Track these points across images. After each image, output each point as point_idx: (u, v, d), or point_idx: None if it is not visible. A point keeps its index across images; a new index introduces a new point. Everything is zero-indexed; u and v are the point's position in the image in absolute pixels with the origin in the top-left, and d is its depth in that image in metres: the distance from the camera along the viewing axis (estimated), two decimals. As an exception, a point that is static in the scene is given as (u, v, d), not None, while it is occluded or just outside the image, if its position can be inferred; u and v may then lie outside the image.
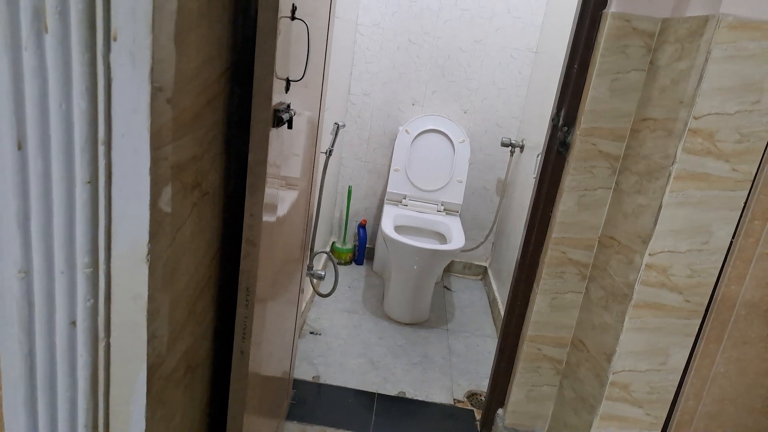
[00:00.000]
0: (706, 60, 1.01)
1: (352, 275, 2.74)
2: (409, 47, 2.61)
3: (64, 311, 0.61)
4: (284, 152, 0.94)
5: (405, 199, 2.64)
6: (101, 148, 0.57)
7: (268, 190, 0.84)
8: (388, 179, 2.68)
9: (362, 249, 2.87)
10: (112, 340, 0.64)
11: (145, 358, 0.65)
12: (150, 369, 0.67)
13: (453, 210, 2.64)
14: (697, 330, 1.16)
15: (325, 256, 2.59)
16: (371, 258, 2.92)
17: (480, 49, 2.58)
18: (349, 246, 2.87)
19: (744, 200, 1.08)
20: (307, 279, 2.10)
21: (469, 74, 2.63)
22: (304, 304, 2.15)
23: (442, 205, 2.64)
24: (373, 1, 2.54)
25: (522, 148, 2.56)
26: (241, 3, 0.80)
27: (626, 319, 1.16)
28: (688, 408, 1.27)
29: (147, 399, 0.67)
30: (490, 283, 2.75)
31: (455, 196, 2.64)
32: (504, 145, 2.57)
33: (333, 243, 2.88)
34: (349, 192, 2.81)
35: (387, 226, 2.31)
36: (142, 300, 0.63)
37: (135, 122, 0.56)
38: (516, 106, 2.66)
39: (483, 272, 2.95)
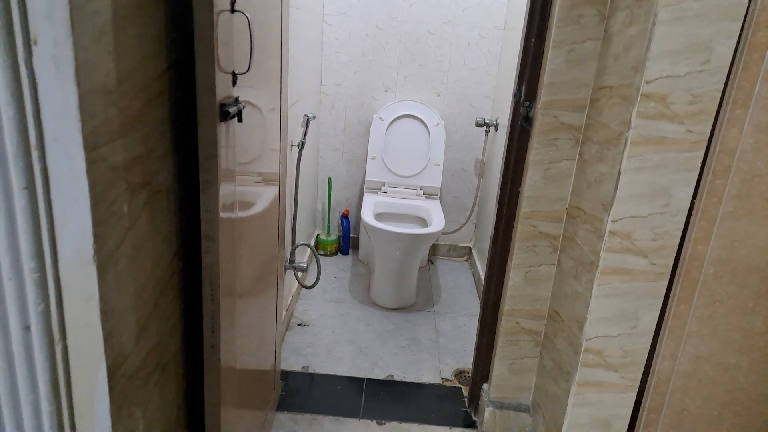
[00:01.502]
0: (654, 23, 1.02)
1: (338, 265, 2.75)
2: (377, 33, 2.60)
3: (16, 317, 0.62)
4: (238, 146, 0.94)
5: (384, 186, 2.64)
6: (35, 153, 0.57)
7: (222, 185, 0.85)
8: (366, 168, 2.69)
9: (347, 239, 2.88)
10: (68, 342, 0.65)
11: (104, 357, 0.66)
12: (110, 368, 0.67)
13: (432, 194, 2.66)
14: (664, 292, 1.18)
15: (308, 249, 2.59)
16: (356, 247, 2.93)
17: (448, 30, 2.58)
18: (334, 237, 2.87)
19: (701, 160, 1.09)
20: (291, 272, 2.12)
21: (440, 56, 2.63)
22: (289, 297, 2.17)
23: (421, 189, 2.65)
24: (337, -10, 2.53)
25: (497, 126, 2.57)
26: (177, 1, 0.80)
27: (594, 286, 1.17)
28: (665, 368, 1.30)
29: (110, 398, 0.68)
30: (475, 263, 2.77)
31: (434, 179, 2.65)
32: (478, 125, 2.57)
33: (318, 235, 2.89)
34: (329, 183, 2.82)
35: (367, 214, 2.32)
36: (93, 301, 0.63)
37: (65, 126, 0.56)
38: (488, 85, 2.66)
39: (468, 253, 2.97)
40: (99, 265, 0.62)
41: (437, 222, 2.34)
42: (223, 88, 0.82)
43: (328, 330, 2.16)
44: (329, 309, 2.32)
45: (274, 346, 1.54)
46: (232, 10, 0.84)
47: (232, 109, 0.83)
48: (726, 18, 0.99)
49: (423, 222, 2.51)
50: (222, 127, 0.82)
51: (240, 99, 0.89)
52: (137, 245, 0.73)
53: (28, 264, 0.60)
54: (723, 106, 1.08)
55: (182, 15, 0.81)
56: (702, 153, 1.08)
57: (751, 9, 1.02)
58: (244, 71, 0.89)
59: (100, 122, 0.60)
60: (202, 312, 0.94)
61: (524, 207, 1.42)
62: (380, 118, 2.64)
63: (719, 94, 1.04)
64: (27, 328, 0.63)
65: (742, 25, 1.01)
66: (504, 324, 1.52)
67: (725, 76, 1.04)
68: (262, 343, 1.38)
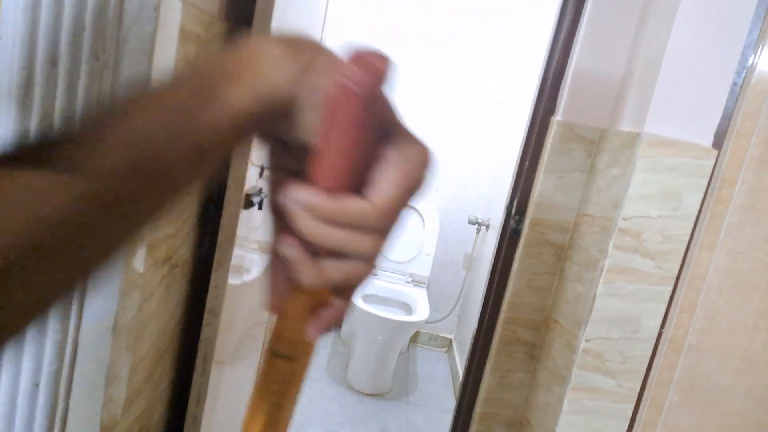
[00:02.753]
0: (632, 170, 1.15)
1: (318, 342, 2.75)
2: (386, 127, 2.79)
3: (29, 372, 0.67)
4: (254, 229, 1.03)
5: (374, 268, 2.71)
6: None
7: (233, 264, 0.93)
8: (359, 248, 2.77)
9: (331, 315, 2.90)
10: (70, 403, 0.70)
11: (99, 421, 0.70)
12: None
13: (420, 282, 2.73)
14: (630, 414, 1.23)
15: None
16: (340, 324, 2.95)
17: (452, 131, 2.78)
18: (318, 312, 2.90)
19: (669, 295, 1.19)
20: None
21: (442, 154, 2.81)
22: (266, 370, 2.17)
23: (410, 276, 2.72)
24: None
25: (488, 226, 2.69)
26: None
27: (565, 401, 1.23)
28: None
29: (96, 460, 0.71)
30: (454, 356, 2.79)
31: (423, 268, 2.73)
32: (471, 222, 2.70)
33: (302, 308, 2.91)
34: (322, 258, 2.88)
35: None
36: (103, 366, 0.69)
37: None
38: (484, 187, 2.82)
39: (448, 344, 3.00)
40: (115, 333, 0.69)
41: (422, 311, 2.39)
42: (251, 180, 0.92)
43: (299, 408, 2.14)
44: (304, 386, 2.30)
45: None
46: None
47: (256, 199, 0.93)
48: (694, 174, 1.13)
49: (408, 308, 2.57)
50: (244, 215, 0.91)
51: (263, 190, 0.99)
52: (149, 315, 0.79)
53: (53, 326, 0.66)
54: (691, 249, 1.19)
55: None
56: (670, 288, 1.18)
57: (717, 168, 1.16)
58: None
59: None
60: (191, 379, 0.98)
61: (506, 312, 1.50)
62: (379, 204, 2.76)
63: (687, 238, 1.16)
64: (36, 385, 0.68)
65: (709, 181, 1.15)
66: (476, 428, 1.54)
67: (693, 222, 1.16)
68: (238, 414, 1.39)
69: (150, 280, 0.76)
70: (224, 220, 0.89)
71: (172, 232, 0.80)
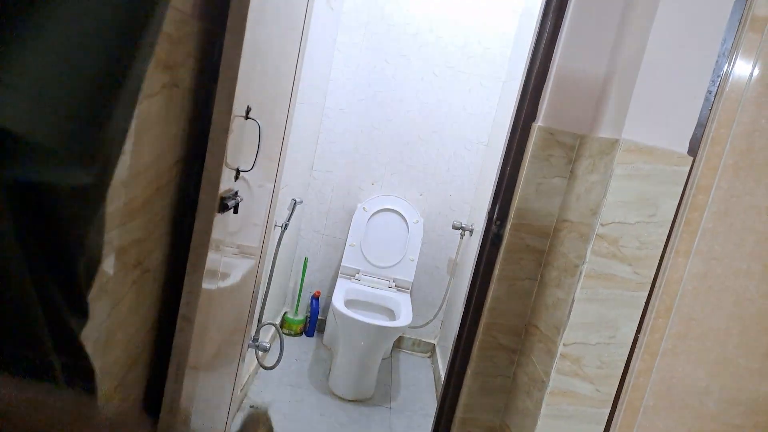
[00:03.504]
0: (610, 176, 1.16)
1: (301, 347, 2.74)
2: (371, 132, 2.79)
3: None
4: (229, 229, 1.01)
5: (358, 273, 2.71)
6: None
7: (208, 269, 0.91)
8: (343, 253, 2.77)
9: (314, 321, 2.89)
10: (35, 409, 0.68)
11: (66, 428, 0.68)
12: (69, 439, 0.70)
13: (404, 287, 2.73)
14: (606, 419, 1.24)
15: (273, 327, 2.59)
16: (322, 330, 2.94)
17: (437, 138, 2.79)
18: (301, 317, 2.88)
19: (645, 300, 1.20)
20: (252, 351, 2.11)
21: (426, 160, 2.81)
22: (246, 377, 2.14)
23: (394, 281, 2.72)
24: (339, 89, 2.75)
25: (471, 232, 2.70)
26: (200, 104, 0.91)
27: (543, 405, 1.23)
28: None
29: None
30: (437, 361, 2.79)
31: (407, 273, 2.73)
32: (455, 228, 2.71)
33: (285, 313, 2.89)
34: (305, 263, 2.87)
35: (338, 300, 2.36)
36: (70, 371, 0.67)
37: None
38: (468, 193, 2.84)
39: (431, 350, 2.99)
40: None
41: (405, 316, 2.39)
42: (226, 183, 0.91)
43: (280, 415, 2.12)
44: (285, 393, 2.28)
45: (224, 427, 1.52)
46: (246, 117, 0.95)
47: (231, 203, 0.92)
48: (670, 181, 1.14)
49: (391, 314, 2.56)
50: (218, 218, 0.90)
51: (239, 193, 0.98)
52: (118, 321, 0.77)
53: (17, 330, 0.64)
54: (667, 254, 1.20)
55: (200, 116, 0.92)
56: (646, 293, 1.20)
57: (693, 175, 1.18)
58: (249, 169, 0.99)
59: (112, 210, 0.68)
60: (164, 387, 0.96)
61: (487, 317, 1.50)
62: (364, 208, 2.76)
63: (663, 244, 1.17)
64: None
65: (685, 187, 1.17)
66: (456, 432, 1.54)
67: (669, 228, 1.17)
68: (214, 423, 1.37)
69: (119, 284, 0.74)
70: (198, 224, 0.88)
71: (142, 235, 0.79)
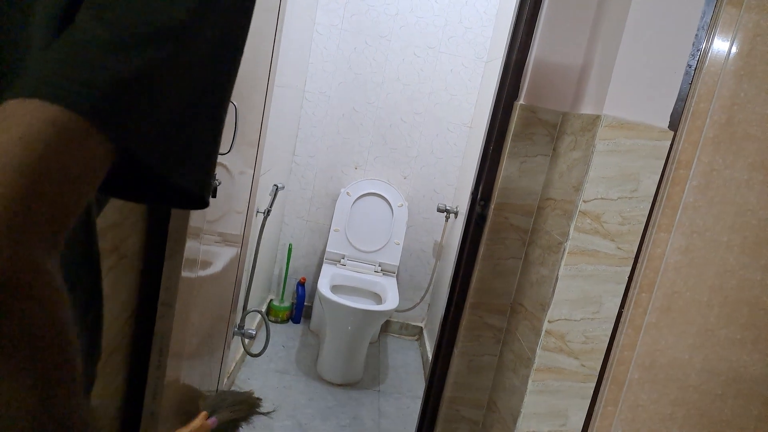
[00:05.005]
0: (593, 152, 1.16)
1: (287, 334, 2.73)
2: (353, 115, 2.76)
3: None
4: (208, 218, 0.99)
5: (344, 258, 2.70)
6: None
7: (187, 255, 0.89)
8: (328, 239, 2.75)
9: (300, 307, 2.88)
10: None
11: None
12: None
13: (390, 271, 2.73)
14: (592, 393, 1.25)
15: (258, 315, 2.58)
16: (309, 316, 2.93)
17: (420, 120, 2.77)
18: (287, 304, 2.87)
19: (628, 275, 1.21)
20: (238, 338, 2.10)
21: (410, 143, 2.80)
22: (233, 364, 2.13)
23: (379, 265, 2.71)
24: (319, 71, 2.71)
25: (456, 214, 2.70)
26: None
27: (529, 382, 1.24)
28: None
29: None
30: (425, 343, 2.80)
31: (393, 257, 2.73)
32: (440, 210, 2.71)
33: (271, 300, 2.88)
34: (290, 250, 2.85)
35: (323, 285, 2.35)
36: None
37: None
38: (452, 175, 2.83)
39: (419, 332, 3.01)
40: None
41: (392, 300, 2.39)
42: (202, 167, 0.89)
43: (268, 402, 2.10)
44: (273, 379, 2.28)
45: (212, 414, 1.51)
46: (221, 99, 0.92)
47: (208, 187, 0.89)
48: (651, 156, 1.14)
49: (378, 298, 2.56)
50: (196, 202, 0.88)
51: (217, 176, 0.95)
52: (96, 307, 0.75)
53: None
54: (649, 229, 1.21)
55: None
56: (629, 268, 1.20)
57: (674, 150, 1.19)
58: (226, 152, 0.96)
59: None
60: (147, 375, 0.95)
61: (472, 297, 1.50)
62: (347, 193, 2.74)
63: (645, 219, 1.18)
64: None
65: (666, 162, 1.17)
66: (445, 411, 1.55)
67: (651, 203, 1.18)
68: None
69: (95, 270, 0.72)
70: (175, 209, 0.86)
71: (118, 219, 0.77)
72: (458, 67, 2.70)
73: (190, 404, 1.20)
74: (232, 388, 2.13)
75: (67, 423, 0.31)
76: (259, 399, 1.19)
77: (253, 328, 2.02)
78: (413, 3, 2.64)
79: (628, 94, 1.15)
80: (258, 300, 2.54)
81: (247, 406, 1.11)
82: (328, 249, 2.71)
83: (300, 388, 2.26)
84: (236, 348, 2.15)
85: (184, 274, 0.91)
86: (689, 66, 1.13)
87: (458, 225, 2.62)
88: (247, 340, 2.16)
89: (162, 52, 0.33)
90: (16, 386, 0.29)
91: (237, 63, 0.40)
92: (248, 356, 2.34)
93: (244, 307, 2.02)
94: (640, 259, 1.22)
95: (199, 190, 0.38)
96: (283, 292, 2.87)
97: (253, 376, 2.26)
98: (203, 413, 0.85)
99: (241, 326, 1.89)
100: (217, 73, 0.38)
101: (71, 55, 0.31)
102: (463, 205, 2.60)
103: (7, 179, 0.27)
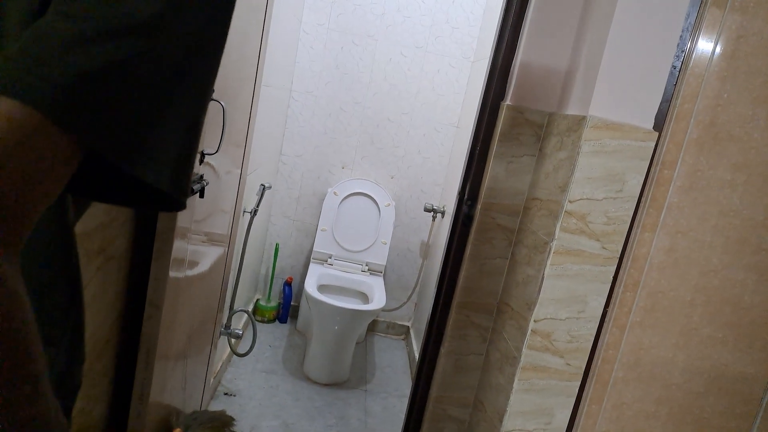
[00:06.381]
0: (578, 153, 1.18)
1: (274, 334, 2.72)
2: (340, 114, 2.76)
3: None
4: (195, 217, 0.98)
5: (330, 258, 2.69)
6: None
7: (174, 255, 0.88)
8: (315, 238, 2.74)
9: (287, 307, 2.87)
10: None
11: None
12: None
13: (377, 270, 2.73)
14: (577, 392, 1.27)
15: (245, 314, 2.56)
16: (296, 316, 2.92)
17: (406, 120, 2.77)
18: (274, 304, 2.86)
19: (613, 275, 1.23)
20: (225, 338, 2.08)
21: (397, 143, 2.80)
22: (219, 364, 2.11)
23: (366, 265, 2.71)
24: (306, 71, 2.69)
25: (443, 213, 2.72)
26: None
27: (515, 380, 1.25)
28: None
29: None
30: (412, 343, 2.81)
31: (380, 257, 2.73)
32: (427, 210, 2.72)
33: (257, 300, 2.86)
34: (276, 249, 2.84)
35: (310, 285, 2.34)
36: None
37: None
38: (439, 175, 2.84)
39: (405, 332, 3.02)
40: (43, 328, 0.64)
41: (378, 299, 2.39)
42: (189, 166, 0.88)
43: (255, 402, 2.10)
44: (259, 379, 2.27)
45: (198, 415, 1.49)
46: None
47: (196, 186, 0.89)
48: (637, 157, 1.16)
49: (365, 297, 2.56)
50: (183, 202, 0.87)
51: (204, 177, 0.95)
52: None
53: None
54: (634, 229, 1.23)
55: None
56: (614, 268, 1.22)
57: (658, 151, 1.20)
58: (213, 152, 0.96)
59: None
60: (134, 375, 0.94)
61: (459, 297, 1.51)
62: (334, 193, 2.73)
63: (629, 219, 1.20)
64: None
65: (651, 163, 1.19)
66: (431, 410, 1.56)
67: (635, 203, 1.20)
68: (186, 409, 1.35)
69: (82, 271, 0.71)
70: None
71: (105, 221, 0.76)
72: (445, 66, 2.71)
73: (175, 404, 1.19)
74: (219, 388, 2.11)
75: (35, 423, 0.31)
76: (232, 418, 1.19)
77: (240, 327, 2.01)
78: (400, 2, 2.64)
79: (614, 94, 1.16)
80: (245, 300, 2.52)
81: (221, 423, 1.11)
82: (315, 248, 2.71)
83: (287, 388, 2.25)
84: (223, 348, 2.14)
85: (172, 274, 0.90)
86: (674, 67, 1.15)
87: (445, 225, 2.63)
88: (233, 340, 2.14)
89: (130, 47, 0.32)
90: None
91: (216, 60, 0.39)
92: (235, 356, 2.32)
93: (231, 307, 2.01)
94: (624, 259, 1.24)
95: (174, 191, 0.37)
96: (269, 292, 2.85)
97: (240, 376, 2.24)
98: (177, 430, 0.85)
99: (227, 326, 1.88)
100: (194, 69, 0.37)
101: (32, 49, 0.31)
102: (450, 205, 2.62)
103: None
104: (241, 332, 1.86)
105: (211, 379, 1.91)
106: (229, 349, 2.20)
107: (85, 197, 0.43)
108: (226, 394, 2.10)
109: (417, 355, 2.59)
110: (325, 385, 2.33)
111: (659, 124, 1.17)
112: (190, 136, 0.39)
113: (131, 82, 0.33)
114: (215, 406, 2.00)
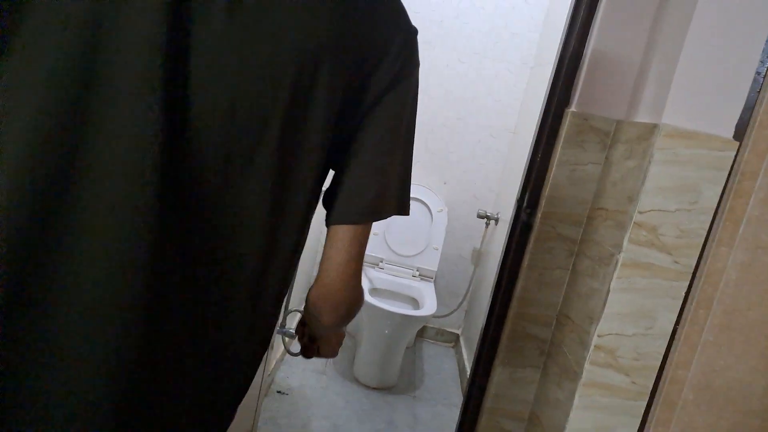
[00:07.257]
0: (649, 162, 1.12)
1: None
2: (395, 119, 2.76)
3: None
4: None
5: (381, 262, 2.70)
6: None
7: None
8: (367, 242, 2.75)
9: (337, 309, 2.89)
10: None
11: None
12: None
13: (428, 276, 2.71)
14: (642, 412, 1.21)
15: (299, 314, 2.60)
16: (346, 318, 2.94)
17: (461, 125, 2.75)
18: (325, 305, 2.89)
19: (685, 290, 1.16)
20: (279, 336, 2.12)
21: (451, 148, 2.78)
22: (273, 362, 2.16)
23: (417, 270, 2.70)
24: (364, 76, 2.72)
25: (497, 220, 2.67)
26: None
27: (576, 397, 1.20)
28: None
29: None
30: (461, 350, 2.77)
31: (431, 262, 2.71)
32: (480, 216, 2.68)
33: (309, 301, 2.90)
34: (329, 252, 2.87)
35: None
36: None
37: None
38: (493, 181, 2.80)
39: (455, 339, 2.98)
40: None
41: (429, 305, 2.38)
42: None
43: (306, 402, 2.13)
44: (310, 379, 2.30)
45: (254, 412, 1.53)
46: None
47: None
48: (713, 167, 1.10)
49: (415, 303, 2.55)
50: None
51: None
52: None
53: None
54: (709, 243, 1.16)
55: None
56: (687, 283, 1.16)
57: (738, 159, 1.13)
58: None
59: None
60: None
61: (516, 307, 1.47)
62: (387, 197, 2.74)
63: (705, 232, 1.13)
64: None
65: (730, 173, 1.12)
66: (484, 422, 1.52)
67: (711, 216, 1.13)
68: (243, 407, 1.38)
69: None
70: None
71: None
72: (503, 72, 2.67)
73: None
74: (272, 386, 2.15)
75: None
76: None
77: (294, 327, 2.04)
78: (459, 9, 2.62)
79: (690, 102, 1.10)
80: (298, 300, 2.57)
81: None
82: (366, 252, 2.72)
83: (336, 389, 2.27)
84: (276, 346, 2.18)
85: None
86: (758, 73, 1.08)
87: (498, 232, 2.58)
88: (287, 339, 2.18)
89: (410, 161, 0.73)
90: None
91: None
92: (288, 355, 2.37)
93: (286, 307, 2.05)
94: (698, 274, 1.17)
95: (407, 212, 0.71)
96: (321, 294, 2.88)
97: (292, 375, 2.28)
98: None
99: (283, 325, 1.91)
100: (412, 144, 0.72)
101: (393, 186, 0.68)
102: (504, 212, 2.57)
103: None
104: (294, 332, 1.89)
105: (266, 376, 1.95)
106: (283, 347, 2.25)
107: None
108: (279, 392, 2.14)
109: (467, 364, 2.55)
110: (374, 388, 2.33)
111: (740, 133, 1.10)
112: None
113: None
114: (268, 404, 2.04)
